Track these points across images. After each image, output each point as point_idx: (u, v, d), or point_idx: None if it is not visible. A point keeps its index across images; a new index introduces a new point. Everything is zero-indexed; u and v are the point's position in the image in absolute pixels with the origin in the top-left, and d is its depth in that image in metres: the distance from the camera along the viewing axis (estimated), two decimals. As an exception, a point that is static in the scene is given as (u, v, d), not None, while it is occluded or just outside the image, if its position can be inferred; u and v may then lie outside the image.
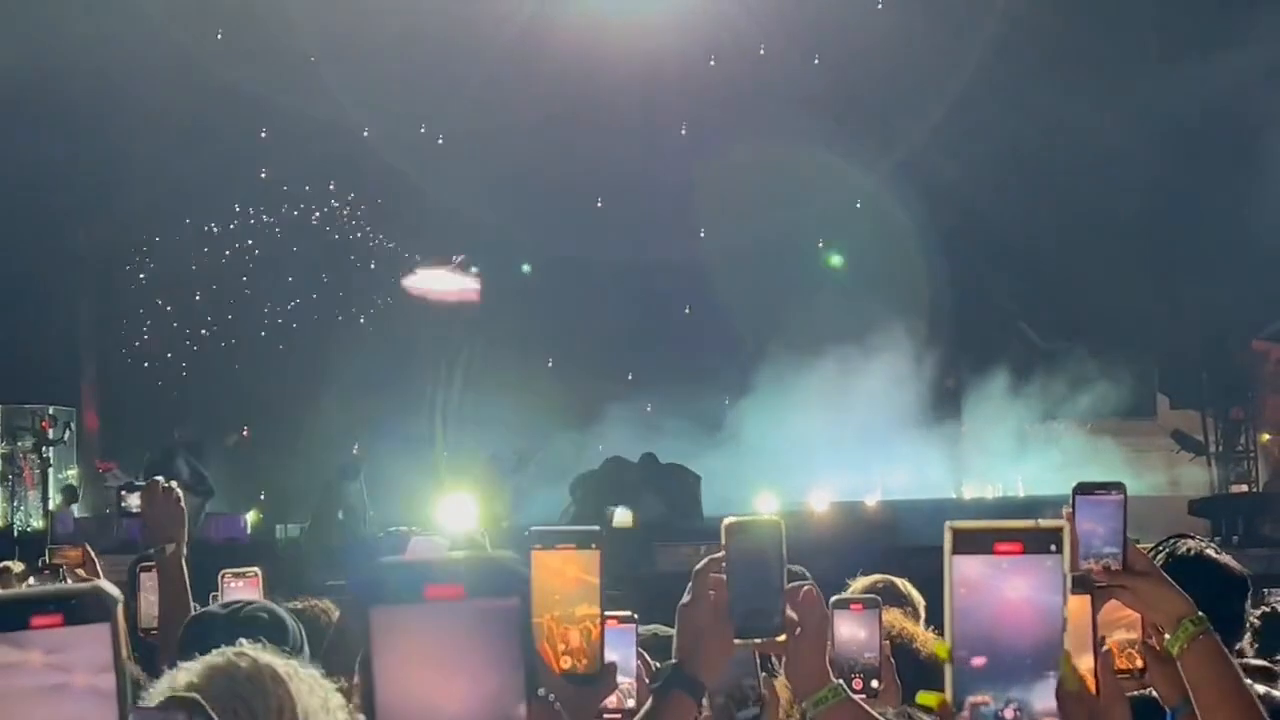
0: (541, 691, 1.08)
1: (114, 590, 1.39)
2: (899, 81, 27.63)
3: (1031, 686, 1.77)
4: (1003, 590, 1.77)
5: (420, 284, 30.63)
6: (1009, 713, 1.78)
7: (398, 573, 1.21)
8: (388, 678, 1.19)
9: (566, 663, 2.66)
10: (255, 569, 5.32)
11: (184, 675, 2.64)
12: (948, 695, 1.81)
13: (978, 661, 1.80)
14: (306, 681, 2.71)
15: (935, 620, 4.56)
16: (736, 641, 2.70)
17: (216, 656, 2.71)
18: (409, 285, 30.75)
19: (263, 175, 28.23)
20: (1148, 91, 25.92)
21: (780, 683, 3.08)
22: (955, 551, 1.81)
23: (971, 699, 1.80)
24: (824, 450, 26.13)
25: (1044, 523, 1.85)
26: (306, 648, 3.82)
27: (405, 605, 1.20)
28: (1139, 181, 26.72)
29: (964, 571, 1.80)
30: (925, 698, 1.86)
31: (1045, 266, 28.44)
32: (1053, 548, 1.79)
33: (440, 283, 30.53)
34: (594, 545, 2.71)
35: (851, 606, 3.40)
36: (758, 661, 3.14)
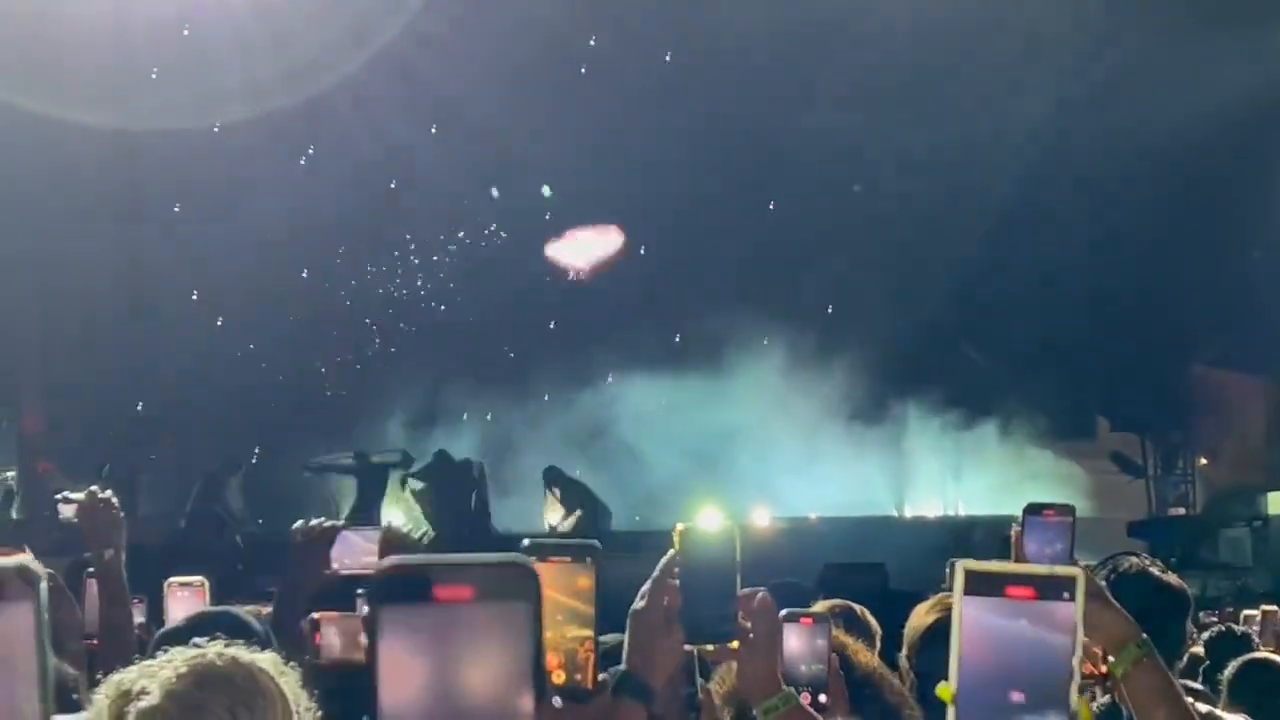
0: (556, 702, 1.06)
1: (38, 568, 1.37)
2: (852, 107, 27.66)
3: None
4: (1013, 635, 1.74)
5: (564, 251, 30.41)
6: None
7: (407, 573, 1.19)
8: (392, 678, 1.17)
9: (560, 677, 2.57)
10: (201, 578, 5.21)
11: (167, 670, 2.57)
12: None
13: (983, 706, 1.76)
14: (288, 675, 2.66)
15: (888, 650, 4.55)
16: (687, 647, 2.69)
17: (200, 657, 2.60)
18: (552, 253, 30.45)
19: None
20: (1092, 123, 26.12)
21: (714, 682, 3.07)
22: (967, 592, 1.76)
23: None
24: (766, 465, 26.15)
25: (1060, 570, 1.80)
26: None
27: (413, 605, 1.18)
28: (1084, 209, 26.90)
29: (974, 613, 1.76)
30: (943, 690, 1.82)
31: (988, 288, 28.56)
32: (1065, 595, 1.75)
33: (585, 246, 30.34)
34: (590, 559, 2.61)
35: (802, 620, 3.38)
36: (697, 668, 3.12)
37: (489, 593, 1.19)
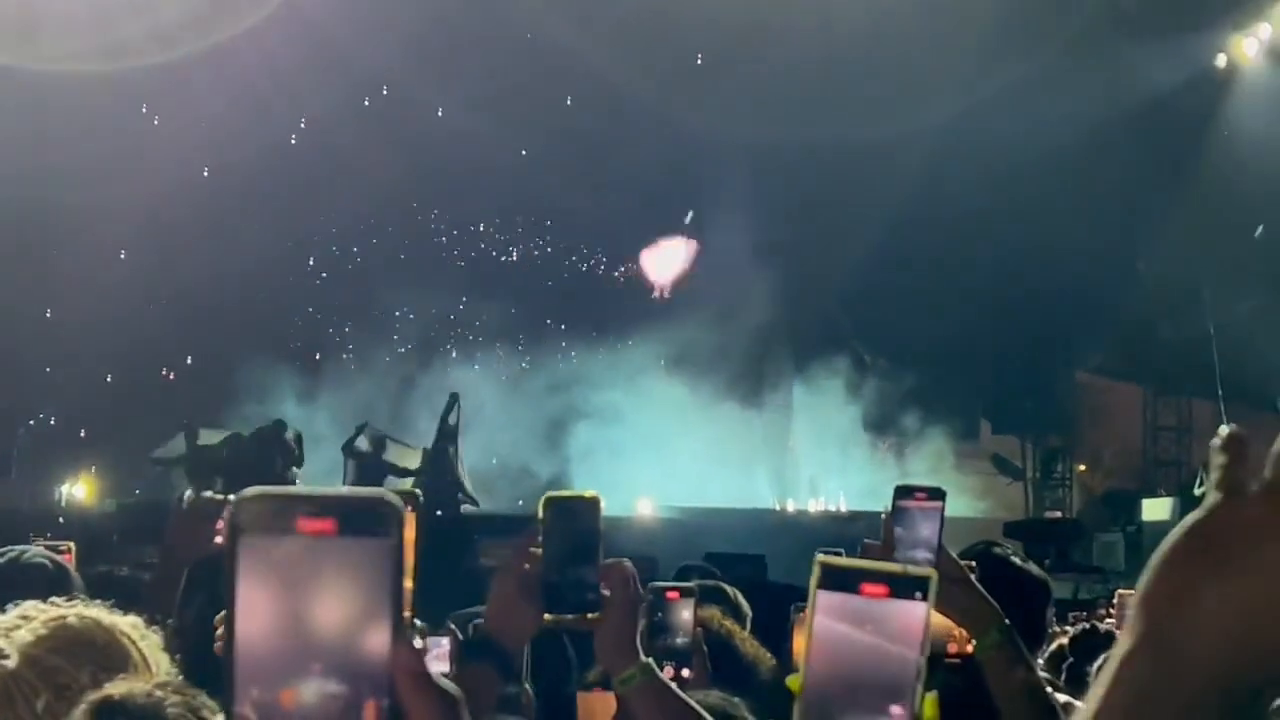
0: (419, 644, 1.04)
1: None
2: (756, 105, 27.78)
3: None
4: (863, 632, 1.75)
5: (655, 262, 30.35)
6: None
7: (268, 502, 1.16)
8: (250, 609, 1.14)
9: None
10: (69, 543, 5.13)
11: (24, 631, 2.48)
12: None
13: (826, 698, 1.78)
14: (150, 639, 2.61)
15: (759, 631, 4.58)
16: (547, 617, 2.68)
17: (59, 619, 2.52)
18: (645, 262, 30.38)
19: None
20: (980, 125, 26.40)
21: None
22: (820, 586, 1.76)
23: None
24: (652, 457, 26.22)
25: (913, 570, 1.82)
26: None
27: (273, 536, 1.15)
28: (973, 212, 27.20)
29: (827, 607, 1.75)
30: (792, 681, 1.85)
31: (880, 287, 28.84)
32: (919, 594, 1.75)
33: (665, 260, 30.26)
34: (411, 508, 2.59)
35: (667, 594, 3.41)
36: (526, 667, 3.11)
37: (352, 527, 1.16)
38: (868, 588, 1.77)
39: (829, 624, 1.78)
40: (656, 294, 30.78)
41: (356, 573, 1.16)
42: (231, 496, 3.51)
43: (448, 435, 22.75)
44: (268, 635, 1.15)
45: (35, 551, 3.92)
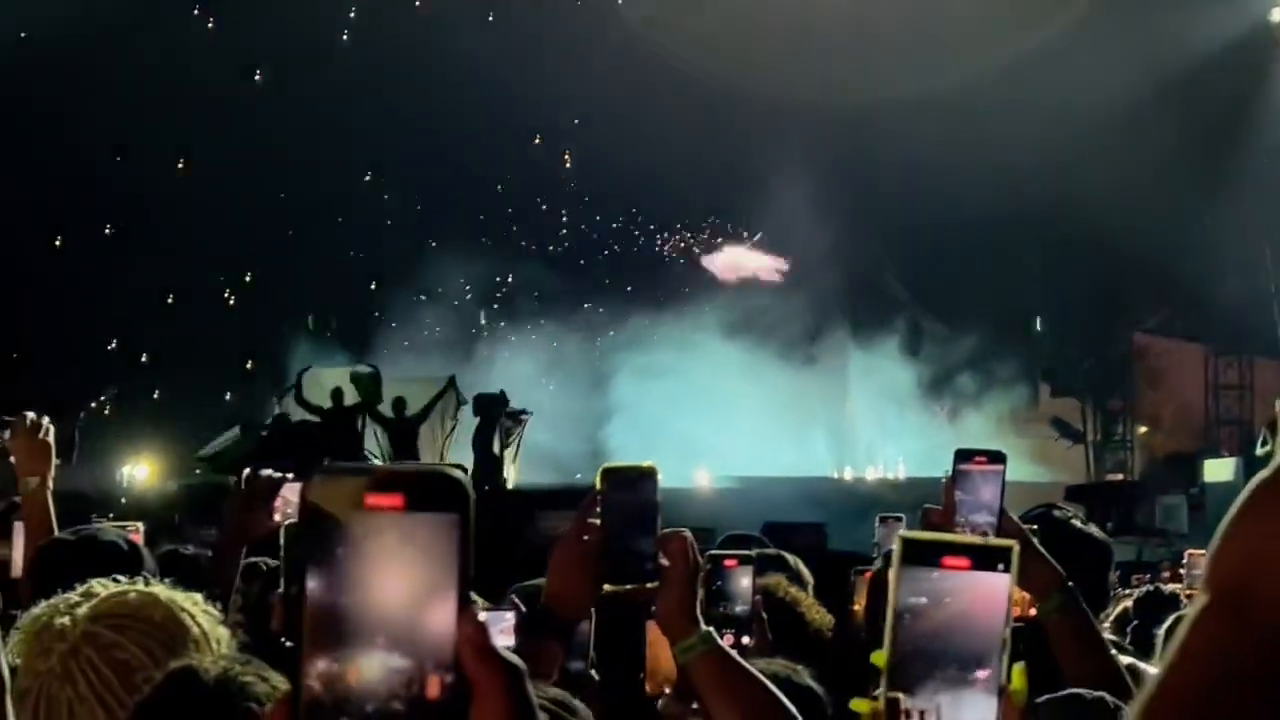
0: (482, 618, 1.04)
1: None
2: (806, 73, 27.71)
3: (961, 702, 1.76)
4: (946, 605, 1.76)
5: (722, 262, 30.94)
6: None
7: (338, 478, 1.18)
8: (320, 586, 1.17)
9: None
10: (138, 524, 5.14)
11: (84, 608, 2.52)
12: (881, 704, 1.79)
13: (911, 672, 1.78)
14: (210, 614, 2.63)
15: (820, 598, 4.59)
16: (607, 588, 2.69)
17: (120, 595, 2.58)
18: (709, 263, 31.05)
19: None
20: (1036, 89, 26.20)
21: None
22: (903, 562, 1.78)
23: (893, 697, 1.78)
24: (712, 419, 26.25)
25: (994, 541, 1.81)
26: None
27: (344, 511, 1.16)
28: (1031, 176, 27.03)
29: (910, 582, 1.77)
30: (858, 704, 1.84)
31: (938, 253, 28.71)
32: (1000, 566, 1.76)
33: (744, 260, 30.88)
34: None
35: (726, 563, 3.42)
36: (591, 646, 3.13)
37: (420, 502, 1.17)
38: (949, 561, 1.77)
39: (912, 599, 1.78)
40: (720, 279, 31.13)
41: (424, 547, 1.17)
42: (289, 475, 3.47)
43: (491, 425, 22.66)
44: (337, 608, 1.16)
45: (110, 530, 3.95)
